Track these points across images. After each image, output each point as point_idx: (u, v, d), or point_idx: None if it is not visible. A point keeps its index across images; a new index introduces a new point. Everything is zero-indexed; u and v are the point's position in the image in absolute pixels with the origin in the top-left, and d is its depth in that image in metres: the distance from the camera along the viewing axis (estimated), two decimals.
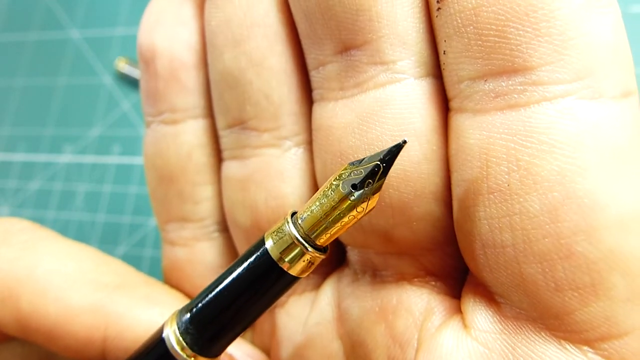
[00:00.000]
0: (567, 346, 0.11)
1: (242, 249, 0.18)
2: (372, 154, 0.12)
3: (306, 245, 0.13)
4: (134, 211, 0.37)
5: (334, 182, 0.12)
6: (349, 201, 0.12)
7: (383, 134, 0.13)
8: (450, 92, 0.13)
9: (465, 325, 0.13)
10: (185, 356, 0.13)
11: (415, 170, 0.13)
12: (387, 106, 0.13)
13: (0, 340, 0.18)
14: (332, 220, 0.12)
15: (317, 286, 0.17)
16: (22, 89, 0.44)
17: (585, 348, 0.11)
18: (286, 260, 0.13)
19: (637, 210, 0.11)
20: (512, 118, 0.11)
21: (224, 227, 0.19)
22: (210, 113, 0.18)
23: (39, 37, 0.45)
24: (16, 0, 0.47)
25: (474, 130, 0.12)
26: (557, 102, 0.11)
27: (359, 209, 0.12)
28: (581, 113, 0.11)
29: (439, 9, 0.12)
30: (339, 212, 0.12)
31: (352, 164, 0.13)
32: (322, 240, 0.13)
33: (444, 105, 0.13)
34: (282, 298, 0.17)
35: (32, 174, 0.41)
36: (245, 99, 0.16)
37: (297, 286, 0.17)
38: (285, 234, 0.13)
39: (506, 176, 0.11)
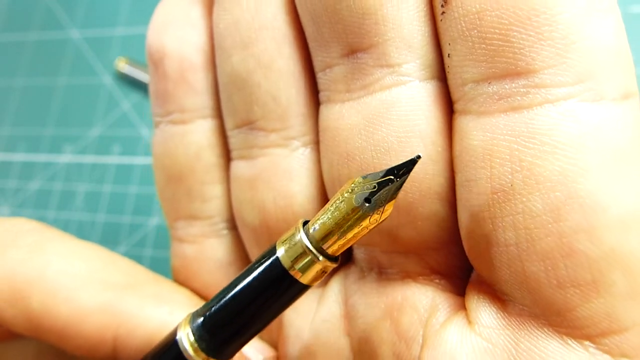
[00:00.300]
0: (569, 341, 0.12)
1: (250, 248, 0.18)
2: (386, 167, 0.12)
3: (317, 254, 0.13)
4: (134, 211, 0.37)
5: (346, 195, 0.12)
6: (362, 214, 0.12)
7: (389, 135, 0.13)
8: (455, 94, 0.13)
9: (469, 322, 0.13)
10: (198, 359, 0.14)
11: (420, 171, 0.13)
12: (393, 108, 0.13)
13: (12, 338, 0.18)
14: (343, 231, 0.12)
15: (324, 284, 0.17)
16: (22, 89, 0.44)
17: (587, 343, 0.12)
18: (297, 268, 0.13)
19: (638, 211, 0.11)
20: (515, 120, 0.12)
21: (232, 225, 0.19)
22: (218, 114, 0.18)
23: (39, 37, 0.45)
24: (16, 0, 0.47)
25: (478, 131, 0.12)
26: (560, 105, 0.11)
27: (372, 220, 0.12)
28: (583, 115, 0.11)
29: (443, 12, 0.12)
30: (350, 224, 0.12)
31: (365, 177, 0.13)
32: (333, 250, 0.13)
33: (449, 107, 0.13)
34: None
35: (32, 174, 0.41)
36: (253, 100, 0.16)
37: None
38: (297, 243, 0.13)
39: (509, 176, 0.12)
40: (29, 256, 0.17)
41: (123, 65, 0.40)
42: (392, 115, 0.13)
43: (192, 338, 0.14)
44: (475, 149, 0.12)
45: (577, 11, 0.11)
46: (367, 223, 0.12)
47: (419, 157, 0.12)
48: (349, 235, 0.12)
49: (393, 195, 0.12)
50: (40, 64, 0.44)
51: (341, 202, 0.12)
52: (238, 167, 0.17)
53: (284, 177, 0.16)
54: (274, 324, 0.18)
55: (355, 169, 0.14)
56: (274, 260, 0.13)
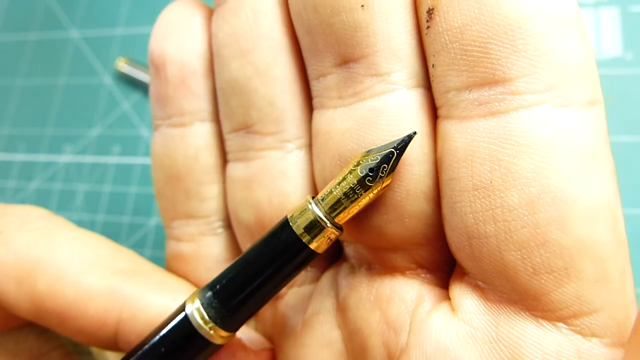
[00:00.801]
0: (544, 323, 0.13)
1: (244, 246, 0.19)
2: (386, 143, 0.14)
3: (327, 222, 0.14)
4: (133, 211, 0.37)
5: (352, 167, 0.14)
6: (366, 183, 0.14)
7: (378, 139, 0.14)
8: (439, 101, 0.14)
9: (453, 309, 0.14)
10: (207, 329, 0.14)
11: (407, 172, 0.14)
12: (382, 114, 0.14)
13: (9, 325, 0.19)
14: (350, 200, 0.14)
15: (316, 279, 0.18)
16: (22, 89, 0.44)
17: (560, 324, 0.13)
18: (308, 235, 0.14)
19: (603, 203, 0.12)
20: (493, 123, 0.13)
21: (227, 224, 0.20)
22: (216, 117, 0.19)
23: (39, 37, 0.45)
24: (16, 0, 0.47)
25: (460, 134, 0.13)
26: (533, 109, 0.12)
27: (374, 189, 0.14)
28: (553, 119, 0.12)
29: (428, 27, 0.13)
30: (356, 192, 0.14)
31: (369, 151, 0.14)
32: (340, 218, 0.14)
33: (433, 113, 0.14)
34: (283, 290, 0.19)
35: (32, 174, 0.41)
36: (250, 105, 0.17)
37: (296, 279, 0.18)
38: (308, 212, 0.14)
39: (489, 174, 0.13)
40: (38, 240, 0.17)
41: (123, 65, 0.40)
42: (381, 120, 0.14)
43: (201, 308, 0.14)
44: (457, 150, 0.13)
45: (547, 26, 0.12)
46: (371, 193, 0.14)
47: (414, 132, 0.14)
48: (355, 203, 0.14)
49: (393, 166, 0.14)
50: (40, 64, 0.44)
51: (348, 173, 0.14)
52: (234, 168, 0.18)
53: (278, 178, 0.17)
54: (268, 317, 0.19)
55: None
56: (286, 227, 0.14)
